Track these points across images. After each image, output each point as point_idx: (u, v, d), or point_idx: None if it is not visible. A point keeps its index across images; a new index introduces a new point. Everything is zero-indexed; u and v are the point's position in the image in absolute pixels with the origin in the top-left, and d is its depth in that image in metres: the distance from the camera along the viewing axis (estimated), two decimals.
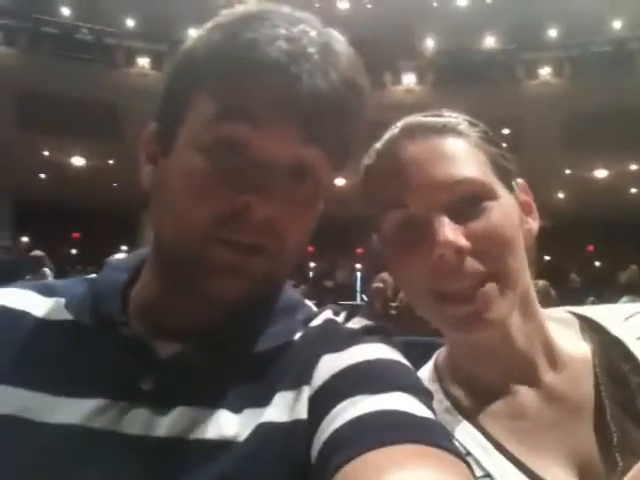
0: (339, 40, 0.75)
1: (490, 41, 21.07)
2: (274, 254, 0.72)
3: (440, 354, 1.05)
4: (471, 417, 0.91)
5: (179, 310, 0.76)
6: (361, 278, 16.33)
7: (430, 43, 21.22)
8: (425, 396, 0.69)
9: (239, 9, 0.74)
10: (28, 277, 8.98)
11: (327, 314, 0.84)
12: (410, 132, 0.90)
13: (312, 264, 20.44)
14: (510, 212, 0.88)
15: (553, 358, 0.92)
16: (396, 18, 19.27)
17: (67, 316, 0.78)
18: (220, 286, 0.71)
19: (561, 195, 19.95)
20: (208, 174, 0.70)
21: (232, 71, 0.69)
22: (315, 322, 0.81)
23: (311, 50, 0.69)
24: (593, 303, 9.65)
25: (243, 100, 0.69)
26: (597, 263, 21.22)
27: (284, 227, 0.72)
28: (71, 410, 0.69)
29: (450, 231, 0.82)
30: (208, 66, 0.72)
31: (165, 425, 0.68)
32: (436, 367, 1.03)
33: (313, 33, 0.71)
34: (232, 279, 0.71)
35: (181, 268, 0.73)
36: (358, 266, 17.21)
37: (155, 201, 0.77)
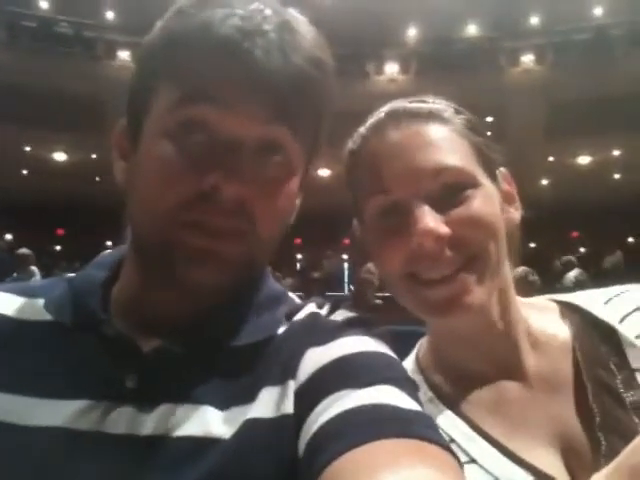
0: (298, 19, 0.74)
1: (472, 29, 21.06)
2: (249, 236, 0.72)
3: (422, 345, 1.06)
4: (454, 406, 0.91)
5: (159, 302, 0.76)
6: (348, 268, 16.29)
7: (412, 32, 21.17)
8: (411, 387, 0.69)
9: None
10: (15, 275, 8.89)
11: (311, 307, 0.83)
12: (395, 117, 0.90)
13: (299, 256, 20.42)
14: (492, 201, 0.88)
15: (533, 343, 0.94)
16: (378, 7, 19.21)
17: (46, 317, 0.78)
18: (196, 272, 0.70)
19: (545, 182, 20.05)
20: (174, 158, 0.69)
21: (188, 54, 0.69)
22: (299, 315, 0.81)
23: (266, 27, 0.69)
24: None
25: (202, 82, 0.69)
26: (582, 249, 21.37)
27: (255, 207, 0.71)
28: (55, 412, 0.68)
29: (431, 219, 0.82)
30: (166, 53, 0.72)
31: (150, 423, 0.67)
32: (418, 358, 1.03)
33: (268, 11, 0.70)
34: (207, 264, 0.70)
35: (156, 256, 0.72)
36: (345, 257, 17.19)
37: (130, 196, 0.76)
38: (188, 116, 0.69)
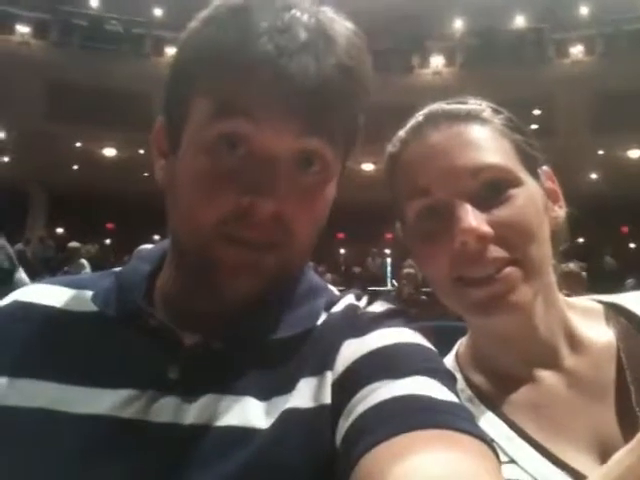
0: (334, 21, 0.73)
1: (520, 20, 20.66)
2: (286, 246, 0.73)
3: (461, 344, 1.05)
4: (493, 406, 0.91)
5: (198, 302, 0.77)
6: (391, 264, 16.19)
7: (458, 23, 20.89)
8: (448, 379, 0.69)
9: None
10: (66, 268, 9.14)
11: (349, 299, 0.83)
12: (434, 120, 0.91)
13: (342, 251, 20.43)
14: (535, 199, 0.88)
15: (574, 344, 0.92)
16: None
17: (93, 308, 0.80)
18: (234, 284, 0.71)
19: (594, 176, 19.57)
20: (211, 174, 0.70)
21: (224, 68, 0.69)
22: (337, 307, 0.81)
23: (302, 37, 0.68)
24: (632, 286, 9.45)
25: (238, 96, 0.68)
26: (632, 245, 20.82)
27: (292, 219, 0.72)
28: (100, 400, 0.70)
29: (473, 218, 0.82)
30: (200, 63, 0.72)
31: (192, 413, 0.68)
32: (457, 357, 1.03)
33: (305, 18, 0.70)
34: (245, 276, 0.71)
35: (194, 267, 0.74)
36: (388, 252, 17.11)
37: (169, 197, 0.78)
38: (224, 131, 0.69)
